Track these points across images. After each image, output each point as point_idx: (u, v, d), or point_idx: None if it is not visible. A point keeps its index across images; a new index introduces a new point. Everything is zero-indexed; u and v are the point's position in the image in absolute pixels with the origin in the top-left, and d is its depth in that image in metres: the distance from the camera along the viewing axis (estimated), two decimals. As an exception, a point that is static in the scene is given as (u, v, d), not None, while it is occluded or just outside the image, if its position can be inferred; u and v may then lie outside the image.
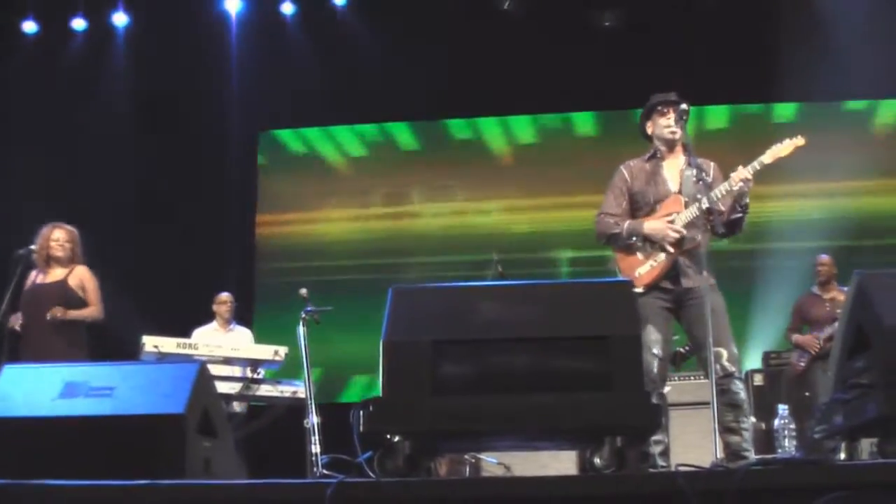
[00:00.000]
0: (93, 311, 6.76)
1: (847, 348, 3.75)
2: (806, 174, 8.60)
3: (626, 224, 5.08)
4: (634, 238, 5.06)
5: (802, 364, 7.88)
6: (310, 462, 5.76)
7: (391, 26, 9.97)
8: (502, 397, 3.16)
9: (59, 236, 6.80)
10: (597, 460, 3.21)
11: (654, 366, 4.87)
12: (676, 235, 4.94)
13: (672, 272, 4.99)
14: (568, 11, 9.87)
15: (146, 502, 3.11)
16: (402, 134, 10.79)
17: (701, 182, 4.87)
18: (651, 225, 5.02)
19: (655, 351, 4.89)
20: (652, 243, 5.03)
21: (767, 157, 5.02)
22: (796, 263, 9.05)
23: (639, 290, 4.95)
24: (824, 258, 8.20)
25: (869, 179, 9.80)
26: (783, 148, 5.06)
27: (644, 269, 5.01)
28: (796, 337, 8.06)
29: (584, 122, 10.56)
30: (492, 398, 3.16)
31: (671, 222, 4.99)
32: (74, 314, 6.65)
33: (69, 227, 6.89)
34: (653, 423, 3.33)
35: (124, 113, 10.13)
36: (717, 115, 10.24)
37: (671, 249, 4.96)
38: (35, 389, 3.64)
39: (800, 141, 5.09)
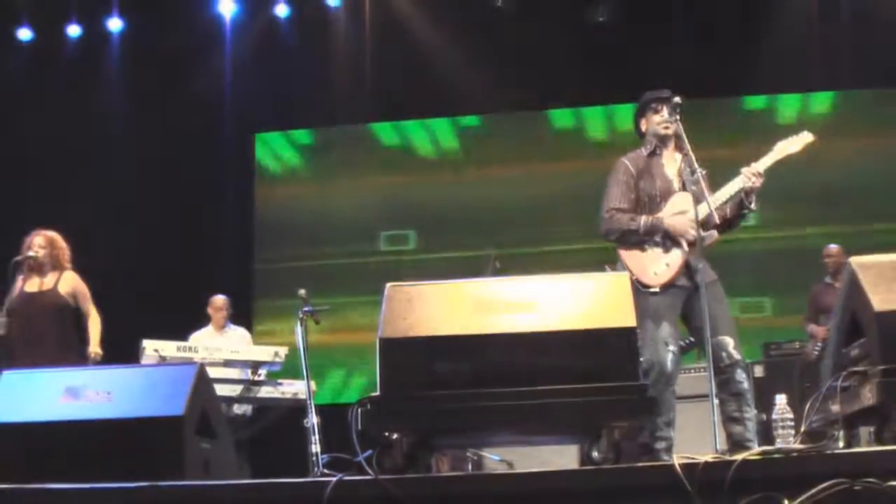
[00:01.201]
0: (96, 320, 6.72)
1: (843, 336, 3.76)
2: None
3: (643, 220, 4.93)
4: (652, 235, 4.93)
5: (816, 354, 7.84)
6: (311, 462, 5.77)
7: (385, 26, 9.98)
8: (498, 392, 3.17)
9: (36, 242, 6.76)
10: (595, 454, 3.23)
11: (669, 361, 4.80)
12: (695, 233, 4.79)
13: (686, 269, 4.91)
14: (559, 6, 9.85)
15: (146, 504, 3.13)
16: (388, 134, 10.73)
17: (699, 180, 4.81)
18: (673, 221, 4.90)
19: (671, 347, 4.81)
20: (666, 241, 4.92)
21: (777, 153, 4.93)
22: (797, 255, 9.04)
23: (655, 289, 4.85)
24: (832, 249, 8.01)
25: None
26: (792, 144, 4.97)
27: (660, 268, 4.90)
28: (811, 327, 8.05)
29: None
30: (488, 393, 3.17)
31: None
32: (95, 339, 6.62)
33: (47, 233, 6.79)
34: (648, 415, 3.34)
35: (121, 116, 10.15)
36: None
37: (686, 247, 4.85)
38: (35, 394, 3.66)
39: (809, 137, 4.98)
